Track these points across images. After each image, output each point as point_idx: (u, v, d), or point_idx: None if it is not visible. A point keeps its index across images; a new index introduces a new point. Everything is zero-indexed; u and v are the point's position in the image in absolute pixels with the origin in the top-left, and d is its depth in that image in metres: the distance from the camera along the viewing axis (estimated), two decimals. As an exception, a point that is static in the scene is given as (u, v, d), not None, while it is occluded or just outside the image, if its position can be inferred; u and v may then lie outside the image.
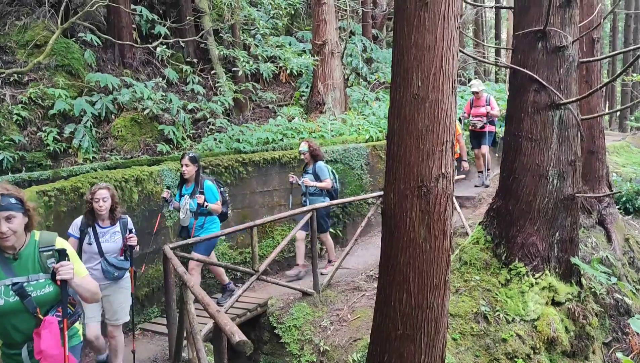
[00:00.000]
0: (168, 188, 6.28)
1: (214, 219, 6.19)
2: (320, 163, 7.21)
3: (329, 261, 7.58)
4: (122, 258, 4.69)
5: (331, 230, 8.66)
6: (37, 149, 7.99)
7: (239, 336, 2.69)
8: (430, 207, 3.10)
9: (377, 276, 3.74)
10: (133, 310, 4.96)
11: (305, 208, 6.56)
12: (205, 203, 5.95)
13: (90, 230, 4.61)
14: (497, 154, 11.54)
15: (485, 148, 9.95)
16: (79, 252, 4.54)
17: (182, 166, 6.03)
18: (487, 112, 9.72)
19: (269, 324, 6.23)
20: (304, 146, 7.30)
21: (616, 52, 9.95)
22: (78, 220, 4.68)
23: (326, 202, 7.01)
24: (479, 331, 5.32)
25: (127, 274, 4.77)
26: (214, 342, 3.47)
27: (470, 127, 10.16)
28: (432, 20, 3.03)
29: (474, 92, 9.91)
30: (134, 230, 4.79)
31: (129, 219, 4.83)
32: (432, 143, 3.07)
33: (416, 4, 3.04)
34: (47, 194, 5.16)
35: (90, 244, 4.58)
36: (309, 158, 7.26)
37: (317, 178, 7.12)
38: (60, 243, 2.97)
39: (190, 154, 6.03)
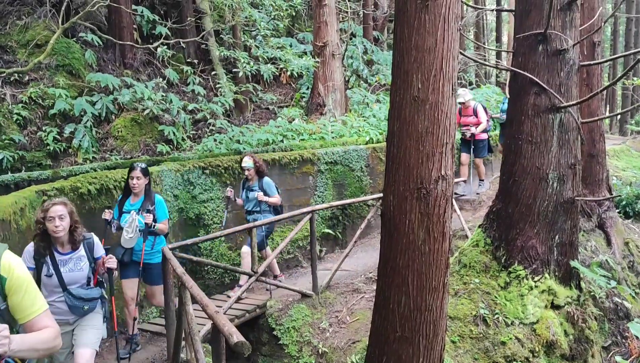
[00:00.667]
0: (109, 207, 5.45)
1: (162, 240, 5.48)
2: (267, 179, 6.70)
3: (275, 276, 7.01)
4: (92, 286, 3.92)
5: (330, 231, 8.67)
6: (37, 149, 7.99)
7: (237, 337, 2.68)
8: (429, 209, 3.10)
9: (376, 278, 3.73)
10: (118, 349, 4.51)
11: (305, 209, 6.56)
12: (153, 224, 5.18)
13: (47, 258, 3.74)
14: (490, 159, 11.50)
15: (477, 161, 9.89)
16: (38, 284, 3.63)
17: (131, 178, 5.21)
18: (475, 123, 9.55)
19: (267, 325, 6.22)
20: (248, 162, 6.56)
21: (617, 55, 9.94)
22: (30, 247, 3.79)
23: (270, 218, 6.46)
24: (478, 334, 5.30)
25: (99, 307, 3.99)
26: (212, 343, 3.46)
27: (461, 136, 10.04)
28: (433, 22, 3.03)
29: (460, 103, 9.47)
30: (104, 252, 4.07)
31: (95, 238, 4.06)
32: (432, 145, 3.06)
33: (417, 6, 3.04)
34: (46, 194, 5.15)
35: (49, 276, 3.72)
36: (253, 174, 6.62)
37: (266, 194, 6.60)
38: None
39: (142, 166, 5.31)
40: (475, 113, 9.41)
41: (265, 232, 6.72)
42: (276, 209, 6.79)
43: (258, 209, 6.63)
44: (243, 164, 6.64)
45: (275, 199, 6.64)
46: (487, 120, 9.65)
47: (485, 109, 9.74)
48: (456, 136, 9.89)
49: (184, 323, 4.11)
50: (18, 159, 7.60)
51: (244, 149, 8.58)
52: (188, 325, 3.76)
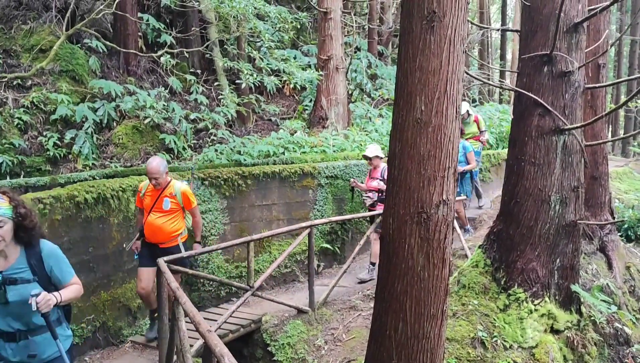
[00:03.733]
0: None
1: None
2: None
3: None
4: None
5: (329, 246, 8.60)
6: (36, 154, 7.96)
7: (228, 359, 2.61)
8: (429, 234, 3.03)
9: (374, 295, 3.66)
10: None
11: (303, 224, 6.50)
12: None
13: None
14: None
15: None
16: None
17: None
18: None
19: (262, 341, 6.13)
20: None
21: (622, 79, 9.94)
22: None
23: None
24: (475, 357, 5.21)
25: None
26: (203, 361, 3.39)
27: None
28: (438, 43, 2.98)
29: (366, 158, 8.08)
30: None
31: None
32: (434, 169, 3.00)
33: (422, 27, 3.00)
34: (42, 202, 5.10)
35: None
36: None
37: None
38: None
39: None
40: (382, 176, 7.56)
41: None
42: None
43: None
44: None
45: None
46: None
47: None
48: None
49: (175, 339, 4.04)
50: (17, 163, 7.57)
51: (245, 160, 8.54)
52: (180, 342, 3.70)
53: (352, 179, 8.28)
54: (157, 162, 5.39)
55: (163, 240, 5.49)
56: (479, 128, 9.76)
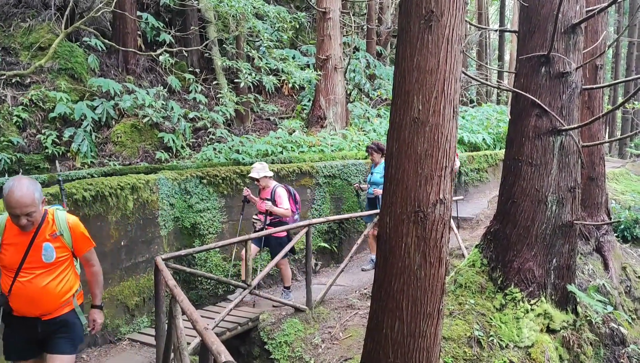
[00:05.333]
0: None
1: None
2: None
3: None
4: None
5: (327, 245, 8.62)
6: (35, 152, 7.96)
7: (225, 357, 2.62)
8: (426, 233, 3.05)
9: (370, 298, 3.68)
10: None
11: (301, 223, 6.51)
12: None
13: None
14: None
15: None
16: None
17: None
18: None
19: (259, 339, 6.14)
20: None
21: (619, 80, 9.97)
22: None
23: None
24: (471, 356, 5.23)
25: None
26: (201, 359, 3.40)
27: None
28: (436, 43, 3.00)
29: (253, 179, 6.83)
30: None
31: None
32: (431, 168, 3.02)
33: (420, 26, 3.02)
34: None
35: None
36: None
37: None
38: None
39: None
40: (273, 198, 6.66)
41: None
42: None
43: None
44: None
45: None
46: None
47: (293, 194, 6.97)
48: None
49: (173, 337, 4.05)
50: (16, 161, 7.57)
51: (243, 159, 8.56)
52: (177, 339, 3.70)
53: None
54: (27, 186, 3.24)
55: (48, 310, 3.41)
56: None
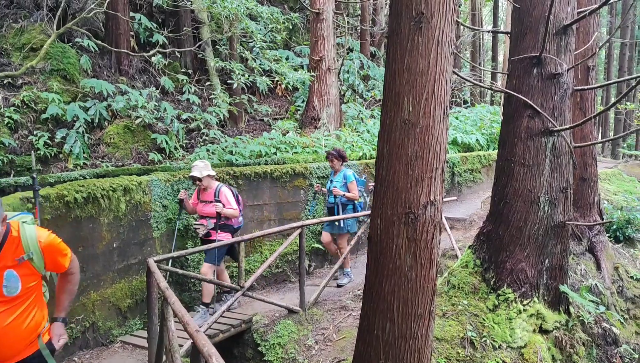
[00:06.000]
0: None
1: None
2: None
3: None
4: None
5: (320, 246, 8.60)
6: (27, 153, 7.92)
7: (216, 359, 2.62)
8: (417, 235, 3.05)
9: (362, 297, 3.67)
10: None
11: (295, 224, 6.50)
12: None
13: None
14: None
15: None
16: None
17: None
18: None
19: (252, 341, 6.13)
20: None
21: (610, 81, 10.01)
22: None
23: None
24: (465, 356, 5.24)
25: None
26: (192, 362, 3.39)
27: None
28: (426, 45, 3.00)
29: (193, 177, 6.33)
30: None
31: None
32: (422, 170, 3.02)
33: (410, 28, 3.02)
34: (30, 201, 5.07)
35: None
36: None
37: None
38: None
39: None
40: (218, 198, 6.27)
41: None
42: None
43: None
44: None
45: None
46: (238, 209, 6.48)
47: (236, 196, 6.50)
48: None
49: (165, 339, 4.03)
50: (7, 162, 7.53)
51: (237, 160, 8.54)
52: (169, 342, 3.69)
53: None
54: None
55: (13, 353, 2.72)
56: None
